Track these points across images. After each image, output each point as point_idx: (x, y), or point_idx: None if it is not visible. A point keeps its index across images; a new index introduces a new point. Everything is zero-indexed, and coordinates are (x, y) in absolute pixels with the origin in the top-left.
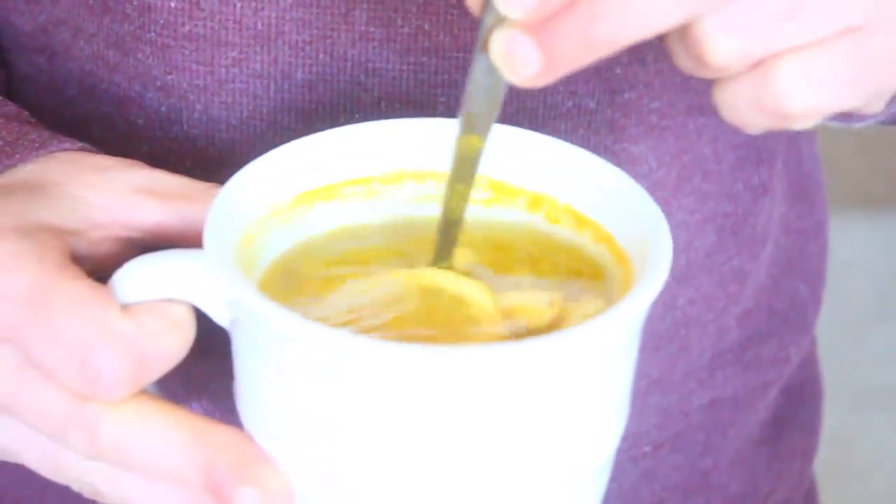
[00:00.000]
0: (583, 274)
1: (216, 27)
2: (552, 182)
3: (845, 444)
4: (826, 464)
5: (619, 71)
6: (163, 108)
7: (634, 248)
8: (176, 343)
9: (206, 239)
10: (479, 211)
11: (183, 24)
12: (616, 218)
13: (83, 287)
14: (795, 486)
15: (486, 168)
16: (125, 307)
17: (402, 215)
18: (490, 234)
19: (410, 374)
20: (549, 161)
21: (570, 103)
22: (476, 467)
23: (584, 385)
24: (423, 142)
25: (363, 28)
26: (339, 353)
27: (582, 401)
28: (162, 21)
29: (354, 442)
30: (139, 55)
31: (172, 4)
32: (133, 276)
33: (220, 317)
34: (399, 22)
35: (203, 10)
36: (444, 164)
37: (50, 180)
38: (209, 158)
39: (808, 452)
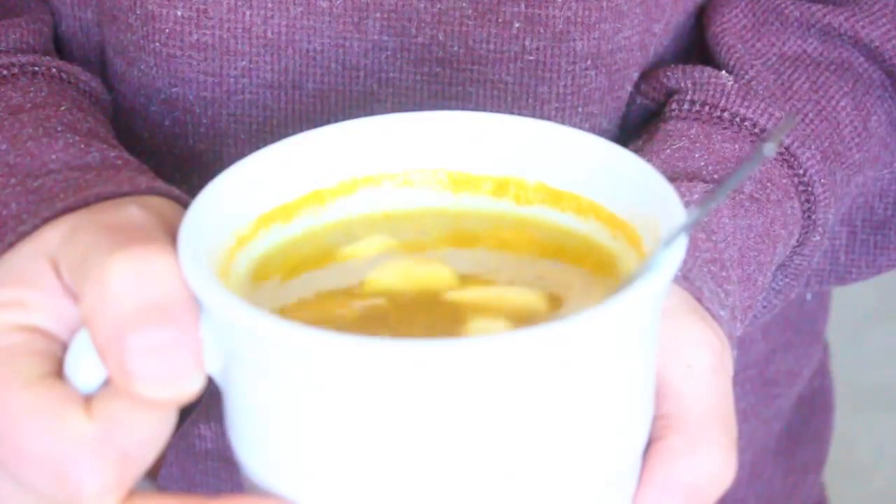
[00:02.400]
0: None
1: (225, 36)
2: (520, 162)
3: (846, 445)
4: (827, 464)
5: (629, 89)
6: (167, 122)
7: (631, 213)
8: (155, 424)
9: (182, 257)
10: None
11: (190, 33)
12: (605, 187)
13: (41, 394)
14: (808, 497)
15: (446, 160)
16: (89, 400)
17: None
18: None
19: (399, 371)
20: (516, 141)
21: (587, 124)
22: (485, 473)
23: (601, 376)
24: (374, 144)
25: (376, 37)
26: (330, 355)
27: (601, 395)
28: (167, 30)
29: (354, 454)
30: (143, 66)
31: (179, 13)
32: (83, 362)
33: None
34: (413, 31)
35: (211, 18)
36: (396, 163)
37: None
38: (217, 174)
39: (819, 463)
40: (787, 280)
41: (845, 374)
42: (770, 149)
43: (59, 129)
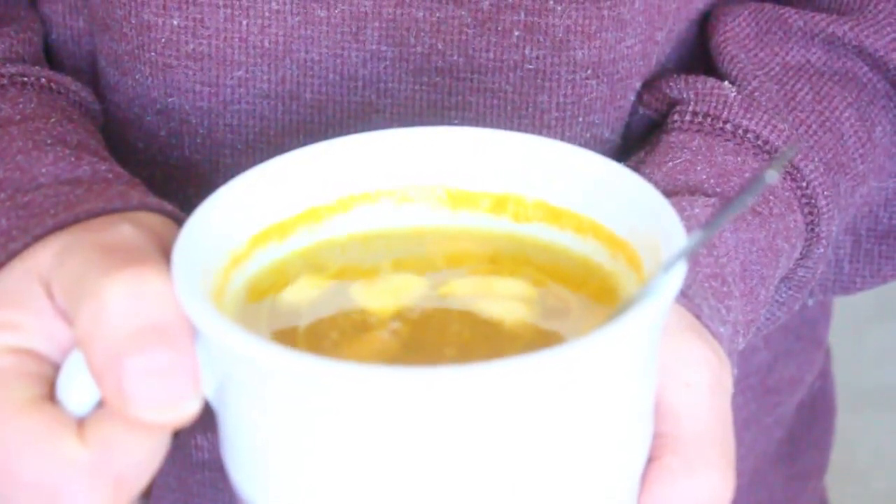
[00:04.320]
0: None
1: (221, 45)
2: (520, 179)
3: (846, 445)
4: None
5: (631, 98)
6: (162, 133)
7: (631, 233)
8: (150, 447)
9: (177, 280)
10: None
11: (186, 43)
12: (605, 206)
13: (33, 418)
14: (810, 502)
15: (444, 177)
16: (82, 423)
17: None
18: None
19: (407, 398)
20: (516, 157)
21: (588, 134)
22: (488, 495)
23: (600, 399)
24: (371, 160)
25: (375, 47)
26: (327, 383)
27: (601, 417)
28: (163, 40)
29: (353, 479)
30: (137, 76)
31: (175, 22)
32: (76, 385)
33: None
34: (412, 41)
35: (207, 27)
36: (394, 180)
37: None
38: (213, 185)
39: (821, 469)
40: (790, 292)
41: (845, 375)
42: (772, 176)
43: (49, 141)
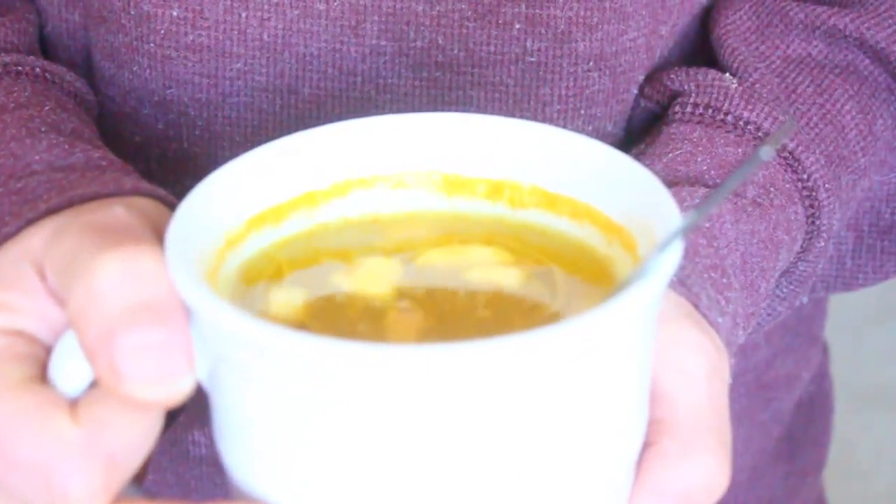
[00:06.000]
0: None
1: (220, 37)
2: (515, 165)
3: (846, 445)
4: (827, 464)
5: (634, 91)
6: (160, 125)
7: (627, 217)
8: (142, 427)
9: (171, 260)
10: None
11: (186, 34)
12: (601, 191)
13: (25, 398)
14: (808, 498)
15: (440, 162)
16: (74, 403)
17: (355, 219)
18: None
19: (398, 376)
20: (511, 143)
21: (590, 127)
22: (478, 477)
23: (595, 380)
24: (368, 145)
25: (374, 41)
26: (316, 361)
27: (596, 399)
28: (163, 31)
29: (345, 460)
30: (135, 68)
31: (174, 13)
32: (68, 365)
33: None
34: (412, 35)
35: (207, 19)
36: (390, 165)
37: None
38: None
39: (819, 465)
40: (791, 287)
41: (845, 375)
42: (767, 152)
43: (43, 129)
